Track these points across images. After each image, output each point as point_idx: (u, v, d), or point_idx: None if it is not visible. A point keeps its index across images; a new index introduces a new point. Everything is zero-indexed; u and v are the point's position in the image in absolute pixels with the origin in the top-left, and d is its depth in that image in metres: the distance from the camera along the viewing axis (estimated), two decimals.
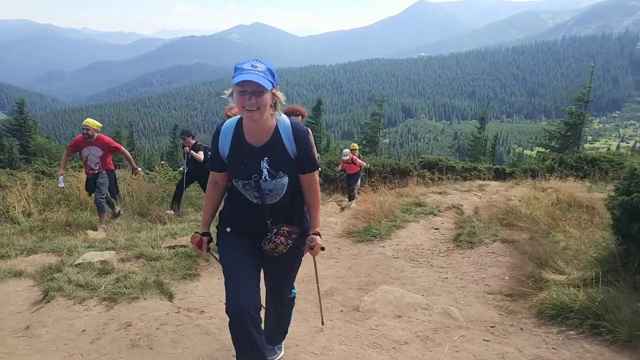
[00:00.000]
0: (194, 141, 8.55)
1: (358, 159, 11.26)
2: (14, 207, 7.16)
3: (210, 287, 4.37)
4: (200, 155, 8.23)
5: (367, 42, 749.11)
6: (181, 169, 10.88)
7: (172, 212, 8.41)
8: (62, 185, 7.09)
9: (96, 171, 7.14)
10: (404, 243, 6.10)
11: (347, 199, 11.68)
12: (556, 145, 17.19)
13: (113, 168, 7.51)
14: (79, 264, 4.57)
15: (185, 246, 5.39)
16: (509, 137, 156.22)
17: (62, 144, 50.35)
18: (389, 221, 6.90)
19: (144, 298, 3.70)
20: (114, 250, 5.27)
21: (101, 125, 7.23)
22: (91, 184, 7.25)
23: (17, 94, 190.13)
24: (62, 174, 7.14)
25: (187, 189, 9.10)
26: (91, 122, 7.04)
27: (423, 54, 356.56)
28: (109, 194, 7.34)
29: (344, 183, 14.08)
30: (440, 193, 12.28)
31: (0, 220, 6.94)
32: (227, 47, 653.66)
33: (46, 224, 6.78)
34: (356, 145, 12.14)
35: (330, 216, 8.36)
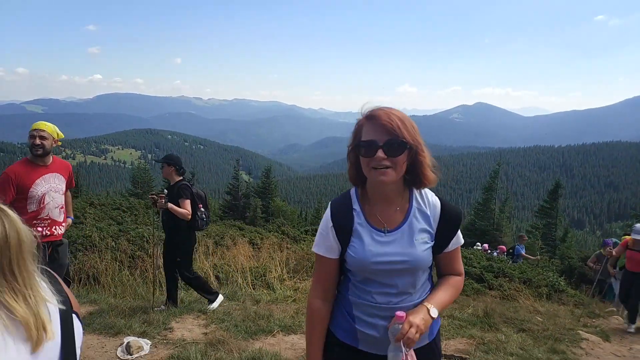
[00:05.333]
0: (179, 179, 5.06)
1: None
2: (270, 271, 7.10)
3: None
4: (185, 207, 4.85)
5: (606, 123, 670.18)
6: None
7: (163, 308, 5.19)
8: None
9: (60, 231, 4.02)
10: None
11: (622, 315, 7.62)
12: None
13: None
14: None
15: (464, 358, 4.24)
16: None
17: (294, 207, 55.73)
18: None
19: None
20: None
21: (62, 136, 4.05)
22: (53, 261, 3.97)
23: (262, 161, 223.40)
24: None
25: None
26: (48, 126, 3.87)
27: None
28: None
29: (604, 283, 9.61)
30: None
31: (257, 282, 6.91)
32: (447, 126, 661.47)
33: (298, 295, 6.48)
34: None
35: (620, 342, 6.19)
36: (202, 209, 5.04)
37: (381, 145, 1.50)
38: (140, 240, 7.99)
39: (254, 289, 6.67)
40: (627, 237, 7.23)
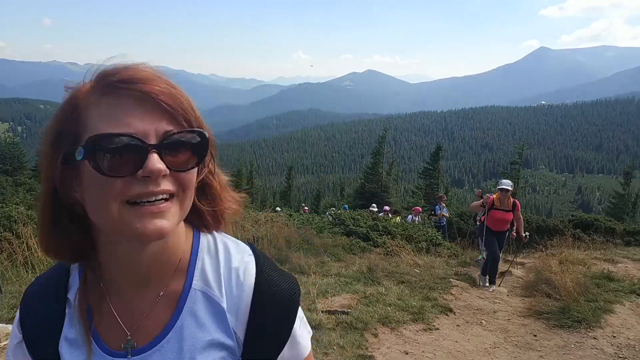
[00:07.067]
0: None
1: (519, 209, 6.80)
2: None
3: None
4: None
5: (482, 89, 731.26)
6: None
7: None
8: None
9: None
10: (622, 335, 4.64)
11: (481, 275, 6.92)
12: None
13: None
14: None
15: (346, 312, 4.49)
16: None
17: None
18: (589, 301, 5.45)
19: None
20: None
21: None
22: None
23: None
24: None
25: None
26: None
27: (543, 102, 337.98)
28: None
29: (472, 237, 11.87)
30: (606, 260, 10.38)
31: None
32: (339, 93, 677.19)
33: None
34: None
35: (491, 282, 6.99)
36: None
37: (156, 145, 0.61)
38: (6, 220, 7.24)
39: None
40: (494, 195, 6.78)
